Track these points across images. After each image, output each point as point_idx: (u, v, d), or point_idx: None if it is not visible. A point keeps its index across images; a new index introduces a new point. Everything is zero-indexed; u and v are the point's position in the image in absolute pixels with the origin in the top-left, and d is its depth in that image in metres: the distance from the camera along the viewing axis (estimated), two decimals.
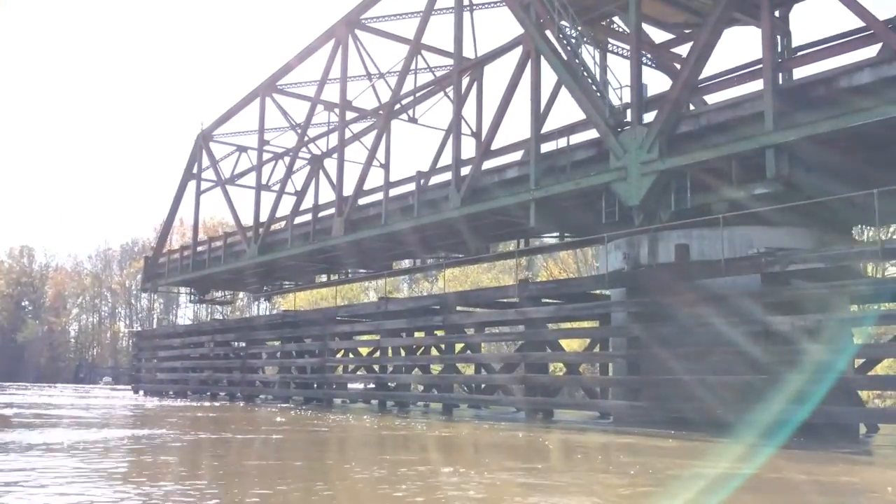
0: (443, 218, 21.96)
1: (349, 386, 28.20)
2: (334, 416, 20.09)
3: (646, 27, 21.99)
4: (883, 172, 16.53)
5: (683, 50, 22.69)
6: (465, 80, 28.67)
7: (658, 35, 22.99)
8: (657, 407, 15.88)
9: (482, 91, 28.06)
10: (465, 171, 22.03)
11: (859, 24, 14.95)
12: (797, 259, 14.06)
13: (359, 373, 27.29)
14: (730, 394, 14.66)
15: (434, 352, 23.18)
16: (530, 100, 19.87)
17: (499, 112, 20.79)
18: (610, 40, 21.52)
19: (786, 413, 13.27)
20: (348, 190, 27.17)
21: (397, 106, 26.66)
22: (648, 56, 21.70)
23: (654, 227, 16.67)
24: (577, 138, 19.55)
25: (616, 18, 21.70)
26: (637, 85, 17.51)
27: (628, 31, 21.93)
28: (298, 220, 30.30)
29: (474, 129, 28.46)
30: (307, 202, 34.17)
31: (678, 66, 22.45)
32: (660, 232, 16.92)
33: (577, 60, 18.64)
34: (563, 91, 19.76)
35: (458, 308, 21.43)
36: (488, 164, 21.74)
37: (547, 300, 19.58)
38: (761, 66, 19.64)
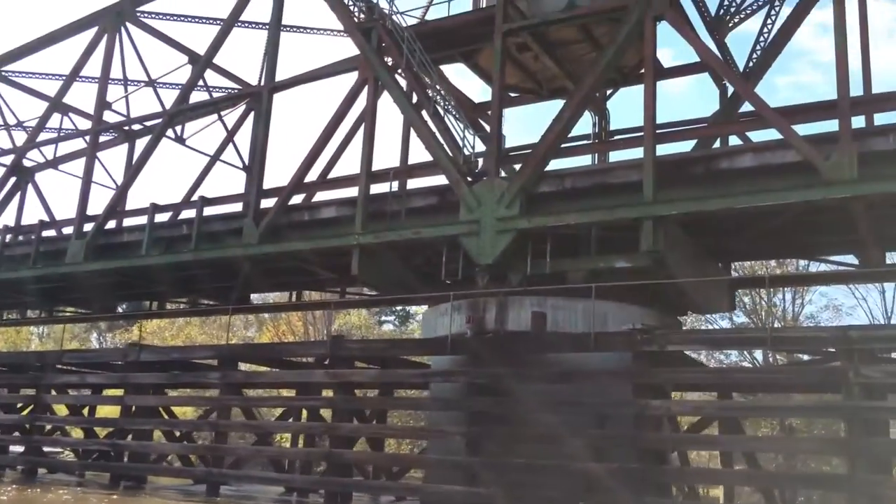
0: (234, 254, 18.41)
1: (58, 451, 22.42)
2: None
3: (464, 87, 21.04)
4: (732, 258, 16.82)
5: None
6: (243, 106, 25.92)
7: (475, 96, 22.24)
8: (501, 494, 13.87)
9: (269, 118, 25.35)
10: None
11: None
12: (676, 339, 13.23)
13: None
14: (591, 482, 13.21)
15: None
16: (364, 132, 17.52)
17: (320, 141, 18.05)
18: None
19: None
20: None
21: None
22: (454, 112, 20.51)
23: (511, 290, 15.03)
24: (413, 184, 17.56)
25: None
26: (498, 133, 16.08)
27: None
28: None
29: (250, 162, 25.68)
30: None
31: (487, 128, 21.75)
32: (509, 297, 15.33)
33: (427, 97, 16.81)
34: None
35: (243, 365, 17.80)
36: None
37: (361, 363, 16.88)
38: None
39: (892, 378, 11.49)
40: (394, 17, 17.76)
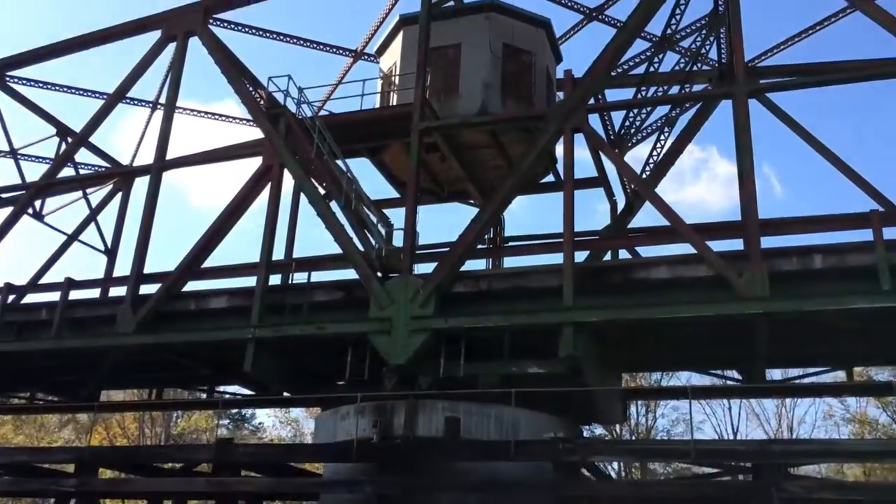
0: (106, 344, 16.52)
1: None
2: None
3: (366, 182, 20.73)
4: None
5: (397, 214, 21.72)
6: (110, 186, 24.26)
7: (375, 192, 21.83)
8: None
9: (127, 203, 23.78)
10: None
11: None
12: (600, 450, 12.91)
13: None
14: None
15: None
16: (266, 220, 16.53)
17: (217, 226, 16.86)
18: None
19: None
20: None
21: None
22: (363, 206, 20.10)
23: (424, 392, 14.27)
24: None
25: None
26: (412, 230, 15.63)
27: None
28: None
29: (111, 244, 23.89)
30: None
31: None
32: (419, 401, 14.54)
33: (338, 188, 16.22)
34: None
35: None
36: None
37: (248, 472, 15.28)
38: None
39: (812, 493, 11.64)
40: (303, 105, 17.26)
